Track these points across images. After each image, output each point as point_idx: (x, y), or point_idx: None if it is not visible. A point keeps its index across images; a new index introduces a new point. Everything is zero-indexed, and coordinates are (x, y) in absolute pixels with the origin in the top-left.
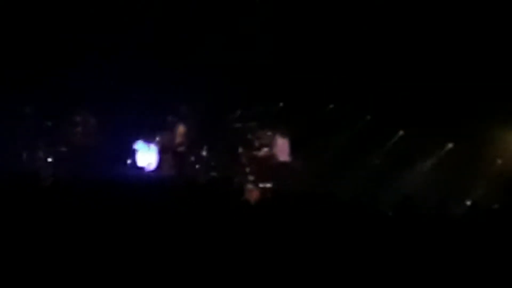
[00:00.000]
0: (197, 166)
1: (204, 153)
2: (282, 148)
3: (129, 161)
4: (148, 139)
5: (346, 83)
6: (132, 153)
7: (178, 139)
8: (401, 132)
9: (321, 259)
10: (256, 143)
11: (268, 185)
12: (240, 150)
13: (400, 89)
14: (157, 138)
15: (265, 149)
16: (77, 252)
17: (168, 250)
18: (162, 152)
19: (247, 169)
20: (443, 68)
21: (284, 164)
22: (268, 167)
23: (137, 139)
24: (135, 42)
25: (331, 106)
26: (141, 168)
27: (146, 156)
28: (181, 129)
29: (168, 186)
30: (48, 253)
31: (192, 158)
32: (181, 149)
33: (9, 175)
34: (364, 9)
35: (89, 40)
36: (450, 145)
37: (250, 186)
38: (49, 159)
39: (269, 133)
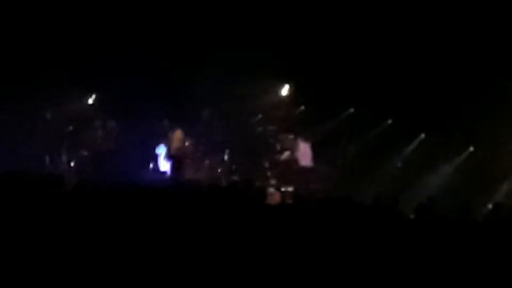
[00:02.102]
0: (219, 170)
1: (225, 156)
2: (303, 152)
3: (151, 166)
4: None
5: (367, 87)
6: (154, 158)
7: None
8: (422, 136)
9: (342, 263)
10: (278, 147)
11: (290, 189)
12: (262, 154)
13: (421, 92)
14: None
15: (287, 153)
16: (99, 254)
17: (190, 253)
18: (182, 157)
19: (269, 173)
20: (464, 73)
21: (305, 168)
22: (290, 171)
23: (159, 143)
24: (156, 46)
25: (352, 110)
26: (164, 172)
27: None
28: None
29: (189, 190)
30: (71, 256)
31: (214, 162)
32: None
33: (32, 179)
34: (386, 16)
35: (110, 45)
36: (471, 149)
37: (271, 189)
38: (72, 163)
39: (290, 137)
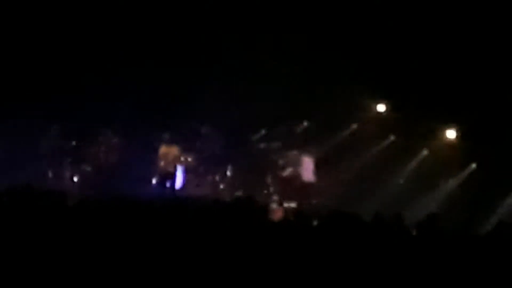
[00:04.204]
0: (221, 186)
1: (228, 172)
2: (306, 168)
3: (154, 181)
4: None
5: (369, 103)
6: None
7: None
8: (425, 152)
9: (346, 279)
10: (281, 163)
11: (293, 204)
12: (265, 169)
13: (423, 108)
14: (181, 159)
15: (290, 169)
16: (102, 270)
17: (193, 269)
18: (186, 172)
19: (272, 189)
20: (467, 90)
21: (308, 183)
22: (292, 187)
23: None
24: (160, 62)
25: (355, 126)
26: (170, 187)
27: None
28: (174, 151)
29: (192, 205)
30: (74, 271)
31: (217, 178)
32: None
33: (35, 194)
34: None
35: (115, 60)
36: (473, 165)
37: (274, 205)
38: (75, 179)
39: (293, 153)
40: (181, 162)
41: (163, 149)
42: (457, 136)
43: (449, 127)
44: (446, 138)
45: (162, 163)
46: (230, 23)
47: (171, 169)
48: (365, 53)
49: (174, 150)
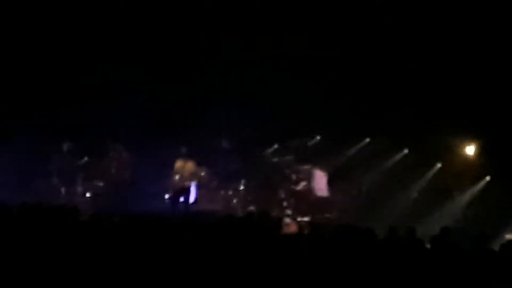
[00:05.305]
0: (234, 200)
1: (241, 187)
2: (319, 182)
3: (167, 196)
4: None
5: (382, 117)
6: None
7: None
8: (438, 165)
9: None
10: (294, 177)
11: (306, 219)
12: (278, 184)
13: (437, 122)
14: (198, 174)
15: (303, 183)
16: (115, 284)
17: (206, 284)
18: (199, 187)
19: (285, 203)
20: (477, 105)
21: (321, 198)
22: (306, 201)
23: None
24: (173, 77)
25: (368, 140)
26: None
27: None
28: (190, 166)
29: (205, 220)
30: (87, 286)
31: (230, 193)
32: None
33: (48, 211)
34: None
35: (129, 75)
36: (487, 178)
37: (287, 220)
38: (88, 194)
39: (306, 167)
40: (196, 177)
41: (179, 163)
42: (475, 152)
43: (467, 142)
44: (465, 153)
45: (177, 177)
46: (246, 40)
47: (186, 184)
48: (376, 65)
49: (190, 165)
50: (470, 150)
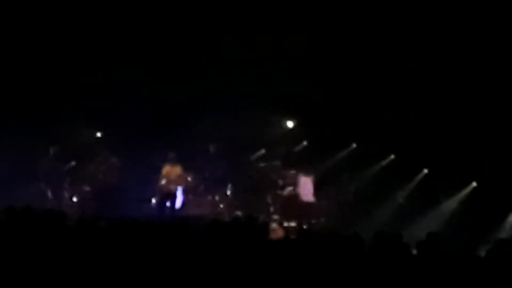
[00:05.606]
0: (221, 205)
1: (228, 192)
2: (304, 188)
3: (153, 201)
4: None
5: (369, 122)
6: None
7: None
8: (425, 171)
9: None
10: (280, 183)
11: (292, 224)
12: (265, 189)
13: (423, 128)
14: (186, 178)
15: (289, 189)
16: None
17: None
18: (186, 192)
19: (272, 208)
20: (467, 109)
21: (308, 203)
22: (293, 207)
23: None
24: (159, 81)
25: (354, 145)
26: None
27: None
28: (167, 168)
29: (191, 226)
30: None
31: (217, 198)
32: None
33: (35, 215)
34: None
35: (114, 81)
36: (474, 184)
37: (274, 225)
38: (74, 199)
39: (292, 172)
40: (183, 182)
41: (167, 168)
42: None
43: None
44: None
45: (163, 182)
46: (236, 45)
47: (172, 189)
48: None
49: (177, 169)
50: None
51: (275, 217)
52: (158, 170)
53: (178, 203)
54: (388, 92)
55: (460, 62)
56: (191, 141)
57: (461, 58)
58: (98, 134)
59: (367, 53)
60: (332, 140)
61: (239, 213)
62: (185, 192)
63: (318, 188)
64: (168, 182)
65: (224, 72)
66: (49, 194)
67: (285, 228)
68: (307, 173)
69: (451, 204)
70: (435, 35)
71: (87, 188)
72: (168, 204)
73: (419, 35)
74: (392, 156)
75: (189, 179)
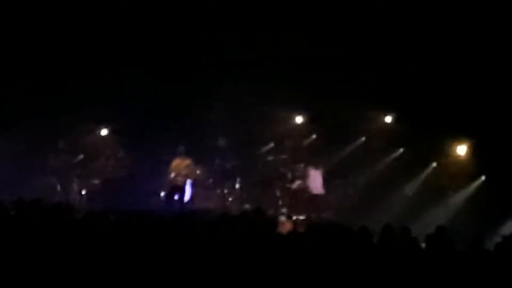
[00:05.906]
0: (230, 199)
1: (237, 185)
2: (315, 181)
3: (162, 194)
4: None
5: (378, 115)
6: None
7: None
8: (434, 164)
9: None
10: (289, 176)
11: (301, 217)
12: (273, 182)
13: (434, 121)
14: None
15: (298, 182)
16: (110, 282)
17: (201, 282)
18: (194, 185)
19: (280, 202)
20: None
21: (317, 196)
22: (301, 200)
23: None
24: (169, 75)
25: (363, 138)
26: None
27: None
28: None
29: (200, 219)
30: (82, 283)
31: (225, 191)
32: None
33: (44, 207)
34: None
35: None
36: (482, 178)
37: (283, 218)
38: (83, 192)
39: (302, 166)
40: (192, 175)
41: (176, 161)
42: (466, 152)
43: (460, 142)
44: (456, 153)
45: (172, 175)
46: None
47: (180, 182)
48: (374, 65)
49: (187, 163)
50: (462, 149)
51: (284, 210)
52: (167, 164)
53: (187, 196)
54: (397, 86)
55: (463, 56)
56: (200, 135)
57: (464, 52)
58: (107, 129)
59: (367, 53)
60: (341, 134)
61: (247, 206)
62: (194, 186)
63: (327, 181)
64: (177, 175)
65: (232, 67)
66: (58, 187)
67: (293, 221)
68: (317, 166)
69: (459, 197)
70: (435, 35)
71: (96, 182)
72: (176, 197)
73: (419, 35)
74: (401, 150)
75: (198, 172)
